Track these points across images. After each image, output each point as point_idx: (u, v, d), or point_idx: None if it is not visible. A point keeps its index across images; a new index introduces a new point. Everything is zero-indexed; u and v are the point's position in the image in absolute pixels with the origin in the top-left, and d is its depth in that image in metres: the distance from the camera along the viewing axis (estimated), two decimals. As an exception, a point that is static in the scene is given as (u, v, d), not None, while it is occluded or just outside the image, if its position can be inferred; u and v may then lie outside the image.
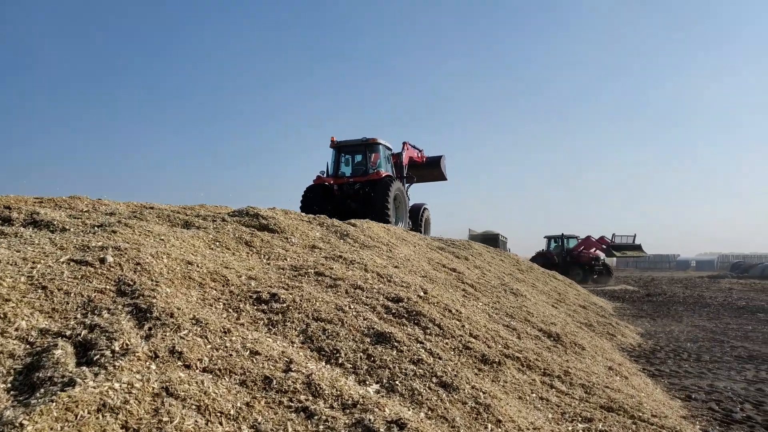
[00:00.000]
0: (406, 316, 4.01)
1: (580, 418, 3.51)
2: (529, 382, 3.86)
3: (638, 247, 29.96)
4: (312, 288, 4.00)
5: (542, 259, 29.98)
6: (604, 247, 29.35)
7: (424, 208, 17.23)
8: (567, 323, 7.91)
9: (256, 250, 4.70)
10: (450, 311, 5.12)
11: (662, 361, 7.98)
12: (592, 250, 30.04)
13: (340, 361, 3.04)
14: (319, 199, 14.15)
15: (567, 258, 29.78)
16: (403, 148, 16.79)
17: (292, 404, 2.51)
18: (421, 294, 5.19)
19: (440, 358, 3.22)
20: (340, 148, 15.24)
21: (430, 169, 18.65)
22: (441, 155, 18.86)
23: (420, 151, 18.33)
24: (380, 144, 15.25)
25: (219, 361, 2.63)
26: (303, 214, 6.63)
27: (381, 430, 2.37)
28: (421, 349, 3.26)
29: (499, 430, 2.91)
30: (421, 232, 15.83)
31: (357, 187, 14.54)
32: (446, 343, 3.83)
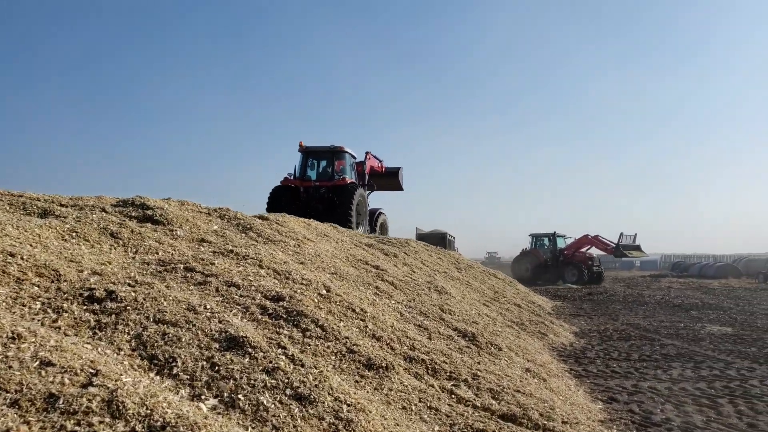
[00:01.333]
0: (284, 317, 3.50)
1: (470, 431, 3.08)
2: (421, 389, 3.42)
3: (638, 247, 27.94)
4: (172, 285, 3.44)
5: (529, 258, 28.37)
6: (609, 247, 27.09)
7: (379, 213, 17.59)
8: (494, 322, 7.58)
9: (122, 243, 4.09)
10: (353, 310, 4.64)
11: (591, 360, 7.76)
12: (585, 249, 27.92)
13: (174, 372, 2.50)
14: (286, 199, 14.44)
15: (560, 258, 27.81)
16: (366, 157, 17.37)
17: (78, 428, 1.96)
18: (323, 292, 4.70)
19: (303, 366, 2.73)
20: (308, 153, 15.55)
21: (388, 179, 19.33)
22: (399, 167, 19.55)
23: (380, 161, 18.92)
24: (346, 152, 15.75)
25: (-12, 375, 2.05)
26: (203, 206, 6.03)
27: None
28: (281, 356, 2.76)
29: (362, 450, 2.45)
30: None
31: (322, 191, 14.90)
32: (327, 347, 3.34)
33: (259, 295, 3.68)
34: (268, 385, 2.54)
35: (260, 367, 2.64)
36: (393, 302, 5.48)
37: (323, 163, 15.81)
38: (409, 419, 3.00)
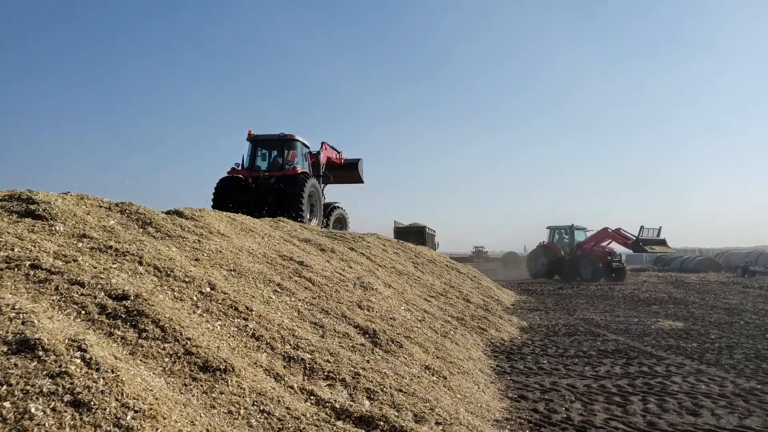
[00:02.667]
0: (123, 317, 3.34)
1: (299, 436, 2.94)
2: (265, 391, 3.25)
3: (663, 242, 25.57)
4: (3, 284, 3.28)
5: (545, 252, 26.93)
6: (629, 241, 24.90)
7: (334, 206, 17.07)
8: (425, 318, 7.43)
9: (-26, 239, 3.92)
10: (236, 309, 4.49)
11: (523, 356, 7.64)
12: (606, 243, 25.82)
13: (-58, 379, 2.34)
14: (233, 192, 13.93)
15: (577, 252, 25.98)
16: (321, 147, 16.83)
17: None
18: (206, 290, 4.54)
19: (97, 370, 2.57)
20: (257, 142, 15.00)
21: (348, 172, 18.88)
22: (359, 158, 19.19)
23: (339, 152, 18.34)
24: (298, 141, 15.12)
25: None
26: (106, 200, 5.84)
27: None
28: (76, 359, 2.60)
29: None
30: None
31: (272, 182, 14.29)
32: (162, 349, 3.18)
33: (103, 293, 3.51)
34: (46, 390, 2.38)
35: (45, 372, 2.48)
36: (294, 300, 5.32)
37: (274, 152, 15.18)
38: (230, 424, 2.85)
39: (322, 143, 17.16)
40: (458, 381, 5.23)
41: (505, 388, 5.93)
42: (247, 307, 4.58)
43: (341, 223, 17.59)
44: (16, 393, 2.35)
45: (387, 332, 5.40)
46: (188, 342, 3.33)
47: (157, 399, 2.61)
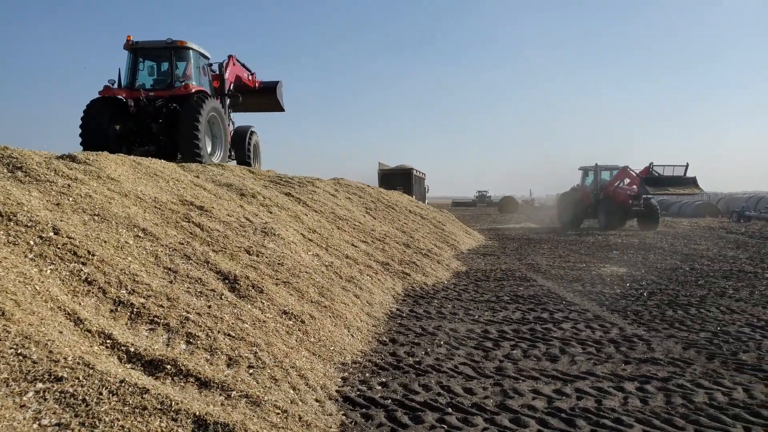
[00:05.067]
0: None
1: (46, 378, 2.97)
2: (27, 335, 3.27)
3: (693, 182, 21.10)
4: None
5: (574, 195, 24.18)
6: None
7: (251, 132, 14.71)
8: (331, 263, 7.42)
9: None
10: (76, 254, 4.49)
11: (432, 301, 7.65)
12: (630, 185, 22.42)
13: None
14: (107, 117, 10.97)
15: (600, 195, 23.04)
16: (228, 62, 14.03)
17: None
18: (47, 235, 4.52)
19: None
20: (138, 51, 11.80)
21: (264, 97, 16.18)
22: (277, 81, 16.41)
23: (252, 73, 15.59)
24: (191, 49, 12.07)
25: None
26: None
27: None
28: None
29: None
30: (249, 163, 14.17)
31: (159, 104, 11.44)
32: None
33: None
34: None
35: None
36: (155, 245, 5.30)
37: (163, 66, 12.17)
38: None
39: (229, 56, 14.15)
40: (320, 325, 5.25)
41: (385, 331, 5.96)
42: (89, 252, 4.56)
43: (257, 152, 15.26)
44: None
45: (251, 278, 5.39)
46: (-26, 285, 3.35)
47: None
